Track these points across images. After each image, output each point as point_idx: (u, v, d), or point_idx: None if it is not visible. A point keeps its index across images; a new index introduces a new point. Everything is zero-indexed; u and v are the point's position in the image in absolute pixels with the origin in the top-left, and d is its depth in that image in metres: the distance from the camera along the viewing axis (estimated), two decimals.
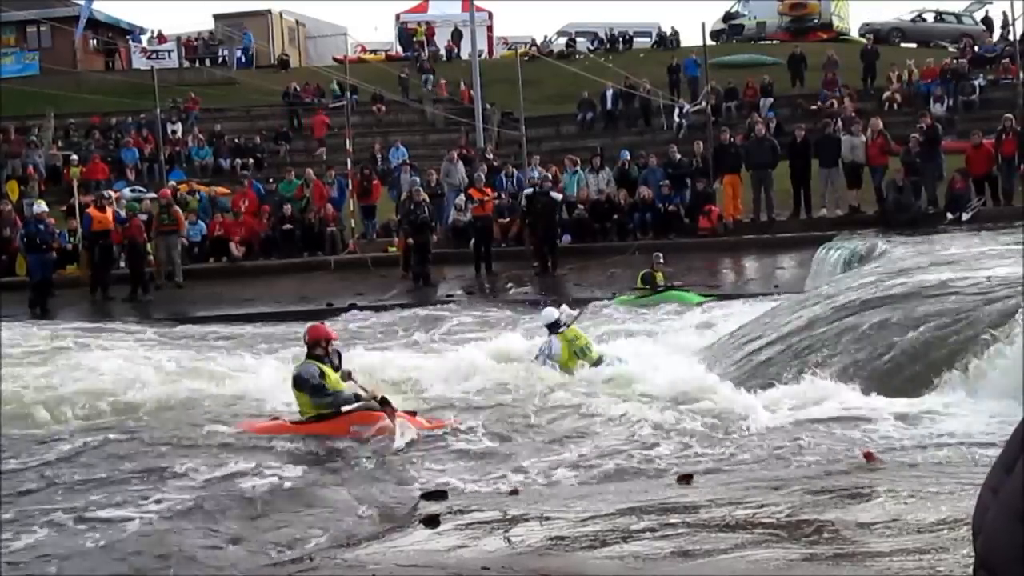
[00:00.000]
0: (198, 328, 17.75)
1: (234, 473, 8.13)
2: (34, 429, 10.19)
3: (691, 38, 40.36)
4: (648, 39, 41.80)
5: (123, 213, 21.53)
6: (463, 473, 7.96)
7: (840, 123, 24.20)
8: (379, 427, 9.26)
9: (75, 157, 27.86)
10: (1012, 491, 1.63)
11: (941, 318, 10.09)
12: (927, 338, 9.88)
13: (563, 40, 41.63)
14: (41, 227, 20.59)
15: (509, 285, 20.30)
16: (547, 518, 6.62)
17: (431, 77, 35.84)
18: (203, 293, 20.66)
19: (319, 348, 9.73)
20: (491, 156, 26.06)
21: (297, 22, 45.22)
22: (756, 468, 7.64)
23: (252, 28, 42.47)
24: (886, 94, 29.75)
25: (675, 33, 40.72)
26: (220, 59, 40.95)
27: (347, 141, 25.97)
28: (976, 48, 32.60)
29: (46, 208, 21.47)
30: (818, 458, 7.78)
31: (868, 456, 7.67)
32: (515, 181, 23.38)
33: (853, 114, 25.19)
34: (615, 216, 22.46)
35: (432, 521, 6.69)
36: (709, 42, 30.55)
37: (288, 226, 23.02)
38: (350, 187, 23.95)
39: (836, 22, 41.98)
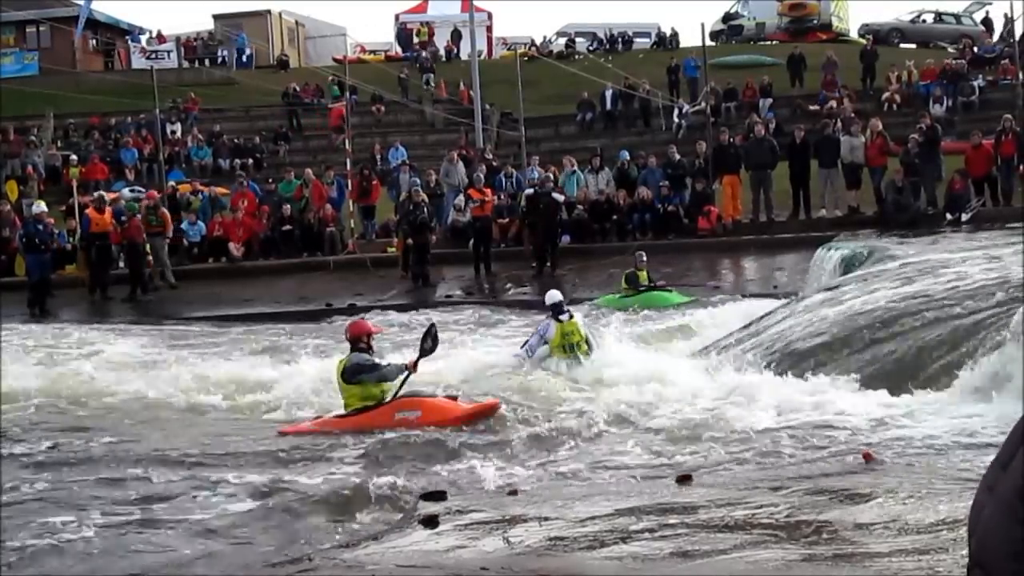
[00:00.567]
0: (195, 327, 17.75)
1: (233, 473, 8.13)
2: (35, 425, 10.20)
3: (690, 39, 40.40)
4: (647, 40, 41.81)
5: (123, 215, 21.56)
6: (462, 473, 7.95)
7: (839, 124, 24.21)
8: (425, 410, 9.53)
9: (74, 157, 27.87)
10: (1008, 488, 1.63)
11: (940, 319, 10.10)
12: (926, 338, 9.88)
13: (562, 40, 41.63)
14: (40, 227, 20.59)
15: (508, 285, 20.31)
16: (546, 519, 6.62)
17: (431, 76, 35.87)
18: (202, 293, 20.66)
19: (362, 343, 9.92)
20: (490, 156, 26.06)
21: (296, 22, 45.22)
22: (755, 469, 7.64)
23: (251, 28, 42.47)
24: (885, 95, 29.75)
25: (674, 34, 40.72)
26: (219, 59, 40.95)
27: (346, 141, 25.96)
28: (975, 49, 32.60)
29: (45, 208, 21.48)
30: (817, 459, 7.78)
31: (867, 456, 7.67)
32: (514, 181, 23.38)
33: (852, 115, 25.19)
34: (614, 216, 22.46)
35: (431, 522, 6.69)
36: (708, 43, 30.54)
37: (287, 226, 23.01)
38: (349, 187, 23.95)
39: (835, 23, 41.98)
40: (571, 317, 12.38)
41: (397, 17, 45.09)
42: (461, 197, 22.62)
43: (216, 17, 43.61)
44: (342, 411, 9.90)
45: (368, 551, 6.28)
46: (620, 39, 41.23)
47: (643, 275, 17.88)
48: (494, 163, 24.94)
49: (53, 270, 21.24)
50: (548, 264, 20.70)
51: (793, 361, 10.70)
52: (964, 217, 20.46)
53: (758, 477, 7.42)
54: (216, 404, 11.28)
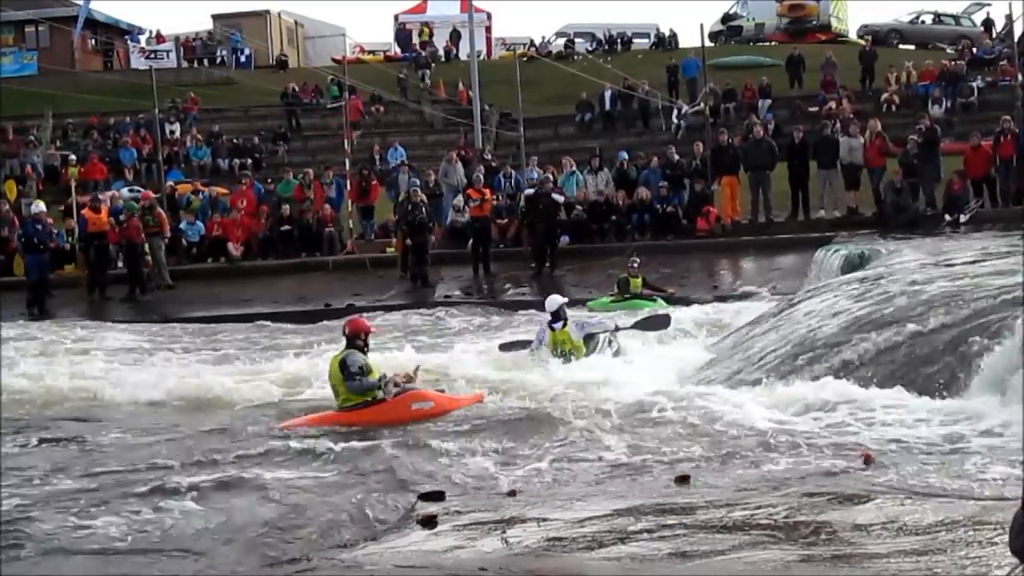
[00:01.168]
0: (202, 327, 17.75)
1: (231, 473, 8.12)
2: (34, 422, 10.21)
3: (689, 39, 40.47)
4: (647, 40, 41.82)
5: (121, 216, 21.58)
6: (461, 474, 7.95)
7: (838, 125, 24.21)
8: (436, 401, 10.11)
9: (73, 157, 27.85)
10: None
11: (939, 320, 10.09)
12: (925, 340, 9.88)
13: (562, 41, 41.62)
14: (38, 227, 20.60)
15: (507, 286, 20.30)
16: (544, 519, 6.62)
17: (427, 72, 35.89)
18: (200, 293, 20.66)
19: (359, 340, 10.20)
20: (489, 157, 26.06)
21: (296, 22, 45.21)
22: (753, 470, 7.64)
23: (250, 28, 42.46)
24: (884, 96, 29.75)
25: (673, 34, 40.73)
26: (219, 59, 40.94)
27: (345, 142, 25.95)
28: (974, 50, 32.60)
29: (44, 208, 21.49)
30: (816, 459, 7.78)
31: (866, 458, 7.67)
32: (513, 182, 23.38)
33: (851, 116, 25.19)
34: (613, 217, 22.46)
35: (429, 522, 6.69)
36: (708, 43, 30.52)
37: (286, 227, 23.01)
38: (348, 188, 23.95)
39: (834, 23, 41.99)
40: (564, 326, 12.48)
41: (396, 17, 45.08)
42: (460, 197, 22.62)
43: (215, 17, 43.59)
44: (341, 405, 10.04)
45: (366, 551, 6.28)
46: (619, 40, 41.23)
47: (636, 281, 17.73)
48: (493, 163, 24.93)
49: (52, 270, 21.25)
50: (547, 264, 20.70)
51: (791, 362, 10.69)
52: (963, 218, 20.47)
53: (756, 478, 7.42)
54: (215, 404, 11.27)
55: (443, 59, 39.86)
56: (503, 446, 8.65)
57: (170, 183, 25.90)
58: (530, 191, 21.25)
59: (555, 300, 12.80)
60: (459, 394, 10.76)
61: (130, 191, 25.77)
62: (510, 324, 16.63)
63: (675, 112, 30.78)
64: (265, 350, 15.00)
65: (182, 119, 32.41)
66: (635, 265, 17.85)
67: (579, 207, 22.60)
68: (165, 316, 19.23)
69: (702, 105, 27.61)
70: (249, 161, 30.08)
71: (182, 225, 23.01)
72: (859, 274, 14.68)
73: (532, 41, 42.63)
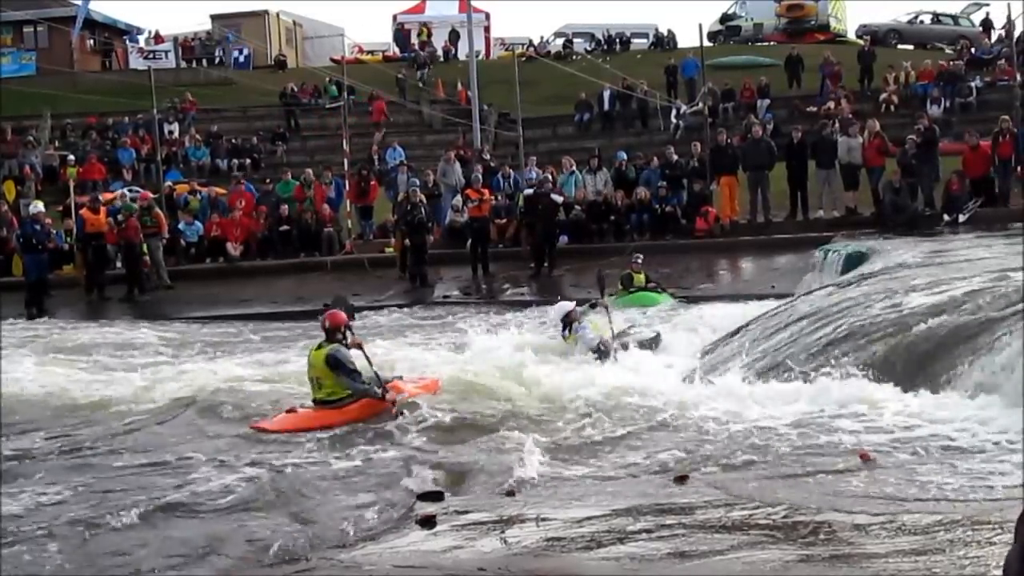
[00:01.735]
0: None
1: (230, 473, 8.12)
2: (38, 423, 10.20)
3: (688, 39, 40.53)
4: (645, 40, 41.87)
5: (119, 216, 21.58)
6: (459, 474, 7.95)
7: (837, 125, 24.21)
8: (410, 394, 10.28)
9: (72, 157, 27.86)
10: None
11: (937, 319, 10.10)
12: (924, 339, 9.88)
13: (560, 41, 41.66)
14: (37, 227, 20.60)
15: (506, 286, 20.30)
16: (543, 519, 6.62)
17: (426, 72, 35.91)
18: (199, 293, 20.65)
19: (339, 333, 10.18)
20: (488, 157, 26.05)
21: (294, 22, 45.24)
22: (752, 470, 7.64)
23: (249, 29, 42.48)
24: (883, 96, 29.77)
25: (672, 34, 40.78)
26: (217, 60, 40.94)
27: (344, 142, 25.96)
28: (973, 50, 32.63)
29: (42, 208, 21.48)
30: (814, 459, 7.78)
31: (864, 457, 7.68)
32: (512, 182, 23.37)
33: (850, 116, 25.19)
34: (612, 217, 22.46)
35: (428, 522, 6.69)
36: (706, 43, 30.53)
37: (285, 227, 23.01)
38: (347, 188, 23.95)
39: (833, 23, 42.03)
40: (571, 334, 12.71)
41: (395, 18, 45.12)
42: (459, 197, 22.62)
43: (214, 17, 43.62)
44: (324, 398, 10.05)
45: (365, 551, 6.28)
46: (618, 40, 41.27)
47: (639, 277, 17.80)
48: (492, 163, 24.94)
49: (51, 270, 21.25)
50: (546, 264, 20.70)
51: (790, 362, 10.69)
52: (962, 218, 20.47)
53: (755, 478, 7.42)
54: (213, 403, 11.26)
55: (442, 59, 39.88)
56: (502, 446, 8.64)
57: (168, 183, 25.89)
58: (529, 191, 21.24)
59: (562, 307, 12.91)
60: (419, 381, 10.89)
61: (129, 191, 25.77)
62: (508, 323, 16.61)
63: (674, 112, 30.80)
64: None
65: (181, 119, 32.42)
66: (639, 261, 17.89)
67: (578, 207, 22.60)
68: (172, 315, 19.19)
69: (701, 105, 27.62)
70: (248, 161, 30.09)
71: (180, 225, 23.00)
72: (857, 273, 14.69)
73: (531, 41, 42.66)
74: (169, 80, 33.88)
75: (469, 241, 21.42)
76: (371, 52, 43.43)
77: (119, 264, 21.71)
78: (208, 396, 11.23)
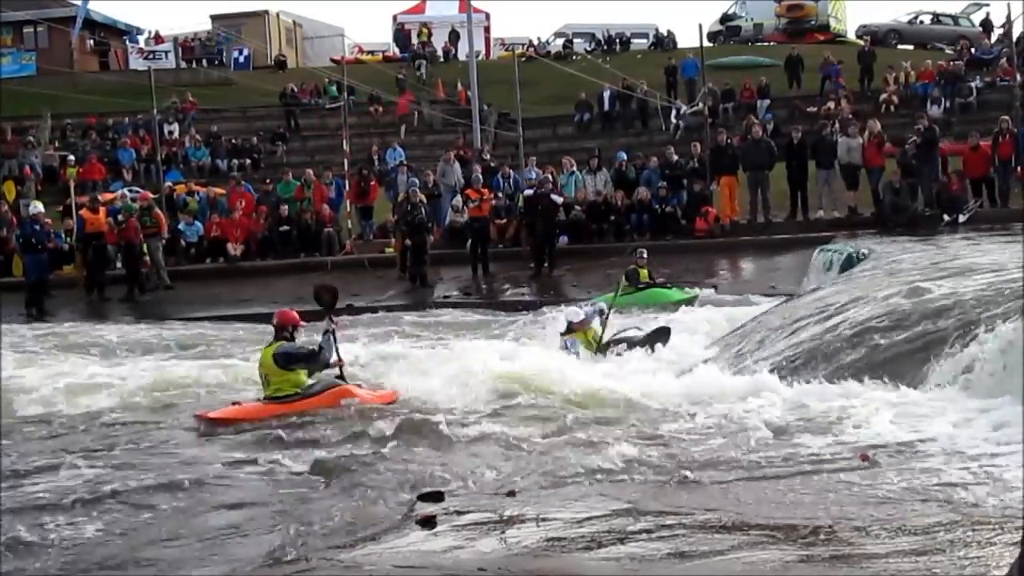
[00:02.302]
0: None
1: (229, 473, 8.12)
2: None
3: (688, 39, 40.52)
4: (645, 40, 41.86)
5: (119, 216, 21.58)
6: (459, 474, 7.94)
7: (837, 125, 24.21)
8: (361, 400, 10.29)
9: (72, 157, 27.85)
10: None
11: (938, 319, 10.10)
12: (924, 339, 9.88)
13: (560, 41, 41.66)
14: (37, 227, 20.59)
15: (506, 286, 20.30)
16: (543, 519, 6.62)
17: (424, 63, 35.95)
18: (200, 294, 20.64)
19: (287, 331, 10.52)
20: (488, 157, 26.05)
21: (294, 23, 45.23)
22: (751, 470, 7.64)
23: (250, 29, 42.48)
24: (883, 96, 29.77)
25: (672, 34, 40.77)
26: (217, 60, 40.95)
27: (344, 142, 25.96)
28: (973, 50, 32.63)
29: (42, 208, 21.47)
30: (814, 459, 7.78)
31: (864, 457, 7.68)
32: (512, 182, 23.37)
33: (850, 116, 25.19)
34: (612, 217, 22.46)
35: (428, 522, 6.69)
36: (706, 43, 30.53)
37: (285, 227, 23.00)
38: (347, 188, 23.95)
39: (833, 24, 42.02)
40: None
41: (395, 18, 45.10)
42: (459, 198, 22.62)
43: (214, 18, 43.62)
44: (271, 395, 10.29)
45: (365, 552, 6.28)
46: (618, 40, 41.26)
47: (644, 272, 17.86)
48: (492, 164, 24.93)
49: (51, 270, 21.24)
50: (546, 265, 20.70)
51: (789, 362, 10.69)
52: (962, 218, 20.48)
53: (755, 478, 7.42)
54: (211, 402, 11.26)
55: (442, 59, 39.88)
56: (502, 446, 8.64)
57: (168, 184, 25.89)
58: (529, 192, 21.23)
59: (572, 313, 13.19)
60: (377, 391, 10.90)
61: (130, 191, 25.78)
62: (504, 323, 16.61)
63: (674, 112, 30.80)
64: None
65: (181, 120, 32.42)
66: (644, 256, 17.93)
67: (578, 207, 22.60)
68: (172, 315, 19.18)
69: (701, 105, 27.63)
70: (248, 162, 30.09)
71: (180, 226, 23.00)
72: (857, 273, 14.69)
73: (531, 41, 42.63)
74: (169, 80, 33.87)
75: (469, 241, 21.42)
76: (371, 52, 43.42)
77: (119, 264, 21.70)
78: (204, 396, 11.25)
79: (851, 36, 41.19)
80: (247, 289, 20.85)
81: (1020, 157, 21.55)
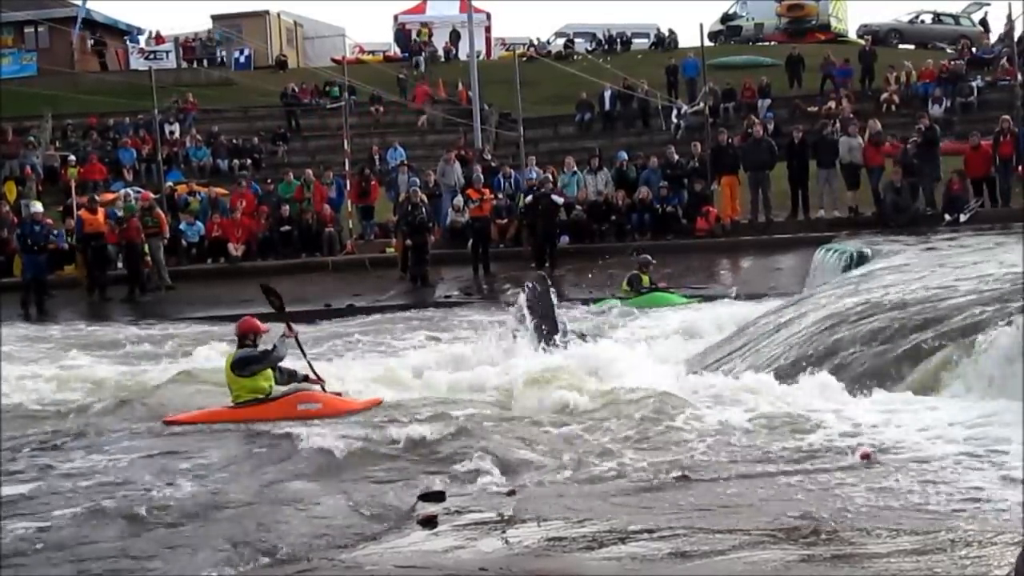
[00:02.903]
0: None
1: (228, 473, 8.12)
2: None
3: (689, 39, 40.49)
4: (646, 40, 41.82)
5: (120, 213, 21.57)
6: (460, 474, 7.94)
7: (838, 124, 24.20)
8: (324, 404, 10.31)
9: (73, 158, 27.84)
10: None
11: (938, 319, 10.10)
12: (925, 338, 9.87)
13: (561, 41, 41.63)
14: (36, 228, 20.58)
15: (507, 286, 20.27)
16: (545, 519, 6.62)
17: (421, 59, 36.00)
18: (200, 294, 20.64)
19: (248, 340, 10.57)
20: (489, 157, 26.05)
21: (295, 23, 45.21)
22: (753, 469, 7.64)
23: (250, 29, 42.47)
24: (884, 95, 29.75)
25: (673, 34, 40.73)
26: (218, 60, 40.95)
27: (345, 142, 25.95)
28: (974, 50, 32.60)
29: (40, 208, 21.44)
30: (815, 459, 7.78)
31: (865, 456, 7.68)
32: (513, 182, 23.37)
33: (851, 115, 25.19)
34: (613, 217, 22.45)
35: (429, 522, 6.69)
36: (707, 43, 30.52)
37: (286, 227, 23.00)
38: (348, 188, 23.95)
39: (834, 23, 41.99)
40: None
41: (396, 18, 45.09)
42: (460, 198, 22.61)
43: (215, 18, 43.61)
44: (234, 401, 10.39)
45: (366, 552, 6.28)
46: (619, 39, 41.23)
47: (646, 278, 17.90)
48: (492, 163, 24.93)
49: (51, 271, 21.24)
50: (547, 264, 20.70)
51: (791, 361, 10.70)
52: (963, 218, 20.47)
53: (756, 477, 7.42)
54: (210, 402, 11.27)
55: (443, 59, 39.89)
56: (503, 446, 8.64)
57: (169, 184, 25.89)
58: (530, 198, 21.19)
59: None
60: (354, 399, 10.77)
61: (133, 191, 25.79)
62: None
63: (675, 112, 30.78)
64: None
65: (181, 120, 32.41)
66: (652, 262, 17.96)
67: (579, 207, 22.60)
68: (173, 315, 19.20)
69: (701, 105, 27.62)
70: (248, 161, 30.08)
71: (181, 226, 23.00)
72: (858, 273, 14.69)
73: (532, 41, 42.62)
74: (170, 80, 33.87)
75: (470, 241, 21.42)
76: (372, 52, 43.41)
77: (120, 264, 21.71)
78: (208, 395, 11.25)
79: (852, 36, 41.16)
80: (248, 289, 20.78)
81: (1021, 157, 21.53)
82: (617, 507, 6.84)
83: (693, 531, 6.13)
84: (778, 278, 18.99)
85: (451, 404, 10.36)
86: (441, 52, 40.46)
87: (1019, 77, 25.37)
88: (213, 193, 25.03)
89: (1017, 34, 29.12)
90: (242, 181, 24.79)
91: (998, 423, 8.09)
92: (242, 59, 41.04)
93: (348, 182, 24.08)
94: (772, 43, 40.02)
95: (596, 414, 9.65)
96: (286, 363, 10.73)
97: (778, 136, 24.30)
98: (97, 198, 22.52)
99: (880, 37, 36.97)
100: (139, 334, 17.22)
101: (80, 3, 39.93)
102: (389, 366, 12.68)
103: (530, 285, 13.44)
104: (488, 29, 44.34)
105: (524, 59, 33.87)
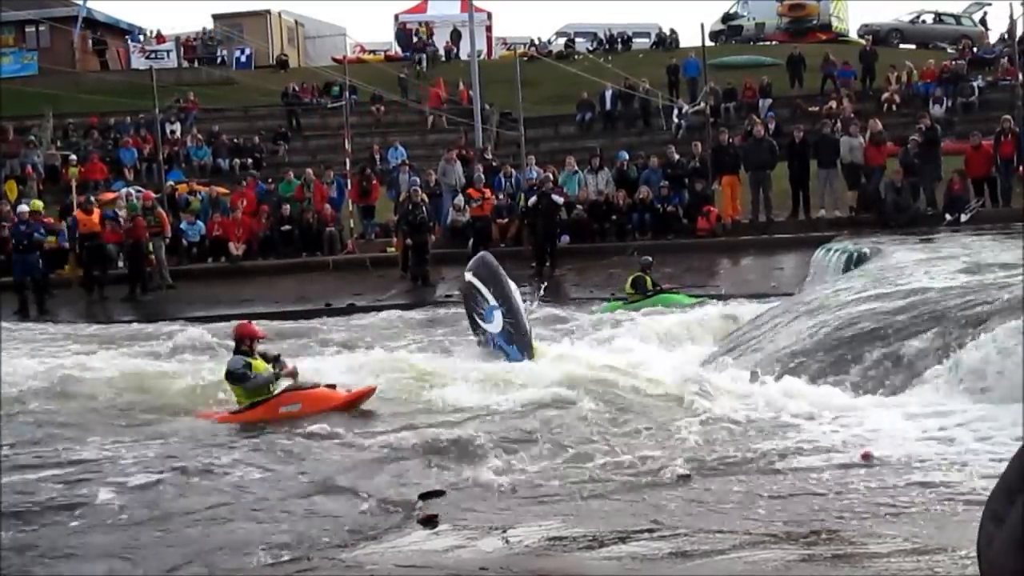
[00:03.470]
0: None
1: (228, 473, 8.12)
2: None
3: (690, 39, 40.43)
4: (647, 40, 41.81)
5: (121, 213, 21.56)
6: (461, 473, 7.94)
7: (839, 124, 24.20)
8: (306, 401, 10.30)
9: (74, 157, 27.83)
10: (1015, 523, 1.58)
11: (938, 319, 10.10)
12: (925, 339, 9.88)
13: (562, 40, 41.62)
14: (22, 227, 20.51)
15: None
16: (545, 518, 6.62)
17: (423, 57, 35.98)
18: (201, 293, 20.66)
19: (244, 344, 10.64)
20: (490, 156, 26.05)
21: (296, 22, 45.22)
22: (753, 469, 7.64)
23: (251, 28, 42.48)
24: (885, 95, 29.74)
25: (674, 34, 40.73)
26: (219, 59, 40.96)
27: (346, 141, 25.95)
28: (975, 49, 32.59)
29: (28, 208, 21.37)
30: (815, 458, 7.78)
31: (865, 456, 7.68)
32: (513, 181, 23.37)
33: (852, 115, 25.18)
34: (614, 217, 22.45)
35: (430, 521, 6.70)
36: (708, 43, 30.51)
37: (287, 226, 23.02)
38: (349, 187, 23.96)
39: (835, 23, 41.99)
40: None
41: (396, 17, 45.09)
42: (460, 197, 22.61)
43: (216, 17, 43.62)
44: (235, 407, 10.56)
45: (367, 551, 6.28)
46: (620, 39, 41.22)
47: (650, 279, 17.88)
48: (493, 163, 24.93)
49: (51, 270, 21.21)
50: (547, 264, 20.70)
51: (791, 362, 10.70)
52: (963, 218, 20.46)
53: (756, 477, 7.42)
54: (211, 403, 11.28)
55: (443, 59, 39.89)
56: (503, 445, 8.64)
57: (170, 183, 25.89)
58: (533, 199, 21.19)
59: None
60: (343, 392, 10.72)
61: (135, 191, 25.78)
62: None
63: (675, 112, 30.77)
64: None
65: (182, 119, 32.41)
66: (650, 262, 17.97)
67: (579, 207, 22.60)
68: (174, 315, 19.20)
69: (702, 105, 27.61)
70: (250, 161, 30.08)
71: (182, 225, 23.00)
72: (858, 273, 14.69)
73: (532, 41, 42.61)
74: (171, 80, 33.87)
75: (471, 241, 21.42)
76: (373, 52, 43.42)
77: (121, 264, 21.70)
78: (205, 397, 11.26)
79: (853, 35, 41.15)
80: (248, 289, 20.85)
81: (1022, 157, 21.53)
82: (617, 507, 6.84)
83: (693, 531, 6.14)
84: (779, 278, 19.00)
85: (451, 402, 10.36)
86: (442, 51, 40.47)
87: (1020, 77, 25.35)
88: (214, 192, 25.03)
89: (1018, 34, 29.07)
90: (247, 180, 24.78)
91: (999, 422, 8.09)
92: (243, 58, 41.04)
93: (349, 181, 24.08)
94: (773, 43, 40.00)
95: (596, 413, 9.65)
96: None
97: (779, 136, 24.28)
98: (93, 199, 22.51)
99: (881, 37, 36.95)
100: (139, 332, 17.21)
101: (81, 2, 39.93)
102: (387, 359, 12.71)
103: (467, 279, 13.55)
104: (489, 29, 44.32)
105: (525, 59, 33.87)
